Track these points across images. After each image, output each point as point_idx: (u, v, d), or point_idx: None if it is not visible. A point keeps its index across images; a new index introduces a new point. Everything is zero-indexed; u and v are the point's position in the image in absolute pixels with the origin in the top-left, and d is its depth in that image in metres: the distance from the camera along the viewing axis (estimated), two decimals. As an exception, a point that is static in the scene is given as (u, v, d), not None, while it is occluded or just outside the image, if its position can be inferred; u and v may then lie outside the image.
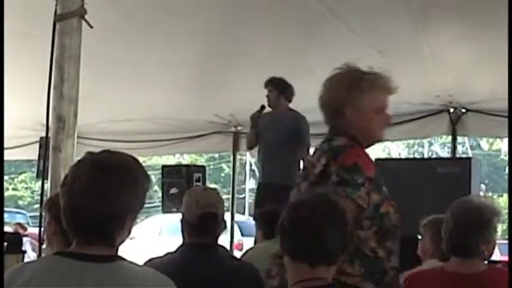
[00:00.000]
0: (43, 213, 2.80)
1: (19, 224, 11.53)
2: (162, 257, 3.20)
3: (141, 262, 2.31)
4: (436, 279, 2.94)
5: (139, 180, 1.90)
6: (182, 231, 3.23)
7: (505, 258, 8.00)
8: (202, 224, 3.13)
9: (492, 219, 2.85)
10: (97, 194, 1.84)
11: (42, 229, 2.90)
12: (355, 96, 2.83)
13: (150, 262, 3.04)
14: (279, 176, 6.06)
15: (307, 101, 7.27)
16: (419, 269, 3.39)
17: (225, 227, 3.30)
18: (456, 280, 2.84)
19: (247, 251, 4.57)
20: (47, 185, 3.78)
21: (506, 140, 14.15)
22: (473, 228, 2.83)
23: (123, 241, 1.93)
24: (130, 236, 1.97)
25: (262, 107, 6.28)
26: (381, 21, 5.22)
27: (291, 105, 6.32)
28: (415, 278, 3.06)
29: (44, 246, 2.89)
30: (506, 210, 7.88)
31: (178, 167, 6.82)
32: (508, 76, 4.24)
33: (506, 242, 9.05)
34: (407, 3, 4.84)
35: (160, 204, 7.14)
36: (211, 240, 3.15)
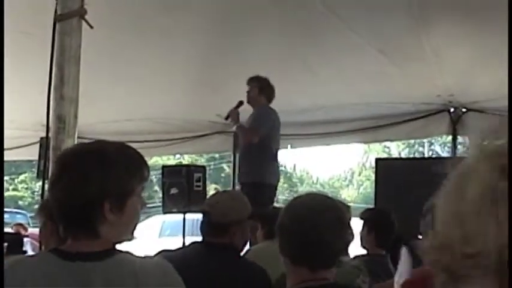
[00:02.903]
0: (38, 215, 2.80)
1: (20, 224, 11.51)
2: (174, 250, 3.24)
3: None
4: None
5: (110, 163, 1.85)
6: (201, 229, 3.27)
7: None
8: (220, 227, 3.18)
9: None
10: (67, 182, 1.83)
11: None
12: None
13: (160, 255, 3.07)
14: (248, 175, 6.13)
15: (308, 100, 7.32)
16: (420, 269, 3.39)
17: (247, 232, 3.38)
18: None
19: (247, 250, 4.57)
20: (48, 186, 3.78)
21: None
22: None
23: (126, 234, 1.90)
24: (130, 236, 1.95)
25: (241, 102, 6.30)
26: (381, 21, 5.22)
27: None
28: (415, 279, 3.06)
29: (44, 248, 2.89)
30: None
31: (179, 167, 6.80)
32: (508, 76, 4.23)
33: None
34: (409, 3, 4.84)
35: (160, 204, 7.15)
36: (227, 242, 3.19)
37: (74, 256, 1.82)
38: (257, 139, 6.07)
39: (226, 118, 6.43)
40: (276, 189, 6.30)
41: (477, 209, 0.72)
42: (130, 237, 1.94)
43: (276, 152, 6.30)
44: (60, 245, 1.91)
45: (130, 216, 1.89)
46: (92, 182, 1.81)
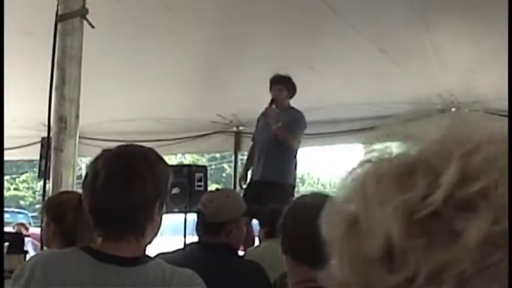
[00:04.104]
0: (40, 215, 2.80)
1: (22, 224, 11.51)
2: (171, 252, 3.23)
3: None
4: None
5: (159, 167, 1.89)
6: (197, 230, 3.26)
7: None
8: (216, 227, 3.17)
9: None
10: (120, 183, 1.82)
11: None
12: None
13: (158, 257, 3.06)
14: (274, 174, 6.16)
15: (309, 99, 7.32)
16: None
17: (243, 230, 3.36)
18: None
19: (249, 250, 4.57)
20: (49, 185, 3.78)
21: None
22: None
23: (154, 236, 1.90)
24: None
25: (273, 100, 6.30)
26: (383, 20, 5.22)
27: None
28: None
29: (45, 248, 2.89)
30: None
31: (180, 167, 6.78)
32: (508, 76, 4.24)
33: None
34: (410, 2, 4.84)
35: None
36: (224, 241, 3.18)
37: (108, 258, 1.81)
38: (296, 145, 6.23)
39: (263, 114, 6.42)
40: (294, 189, 6.41)
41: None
42: (152, 240, 1.96)
43: (296, 154, 6.41)
44: (72, 246, 1.92)
45: (162, 218, 1.93)
46: (147, 183, 1.83)
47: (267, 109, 6.31)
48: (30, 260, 1.86)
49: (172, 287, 1.81)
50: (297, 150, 6.37)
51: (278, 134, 6.18)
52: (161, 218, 1.92)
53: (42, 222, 2.78)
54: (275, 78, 6.19)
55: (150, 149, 1.95)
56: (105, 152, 1.92)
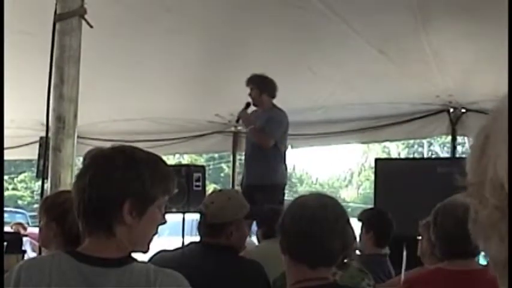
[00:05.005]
0: (38, 215, 2.79)
1: (20, 224, 11.51)
2: (171, 251, 3.23)
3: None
4: (437, 279, 2.94)
5: (135, 166, 1.87)
6: (198, 230, 3.27)
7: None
8: (217, 227, 3.17)
9: None
10: (87, 179, 1.85)
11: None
12: None
13: (159, 255, 3.07)
14: (259, 177, 6.10)
15: (308, 100, 7.32)
16: (420, 270, 3.39)
17: (244, 231, 3.36)
18: (460, 278, 2.87)
19: (247, 250, 4.56)
20: (47, 185, 3.78)
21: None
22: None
23: (140, 243, 1.89)
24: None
25: (248, 104, 6.28)
26: (381, 21, 5.22)
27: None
28: (416, 280, 3.07)
29: (43, 248, 2.88)
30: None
31: (178, 166, 6.77)
32: (508, 76, 4.24)
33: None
34: (409, 2, 4.84)
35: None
36: (224, 241, 3.18)
37: (92, 260, 1.82)
38: (271, 144, 6.13)
39: (237, 121, 6.43)
40: (284, 189, 6.34)
41: None
42: (146, 250, 1.93)
43: (285, 153, 6.34)
44: (74, 247, 1.92)
45: (148, 225, 1.88)
46: (114, 181, 1.83)
47: (239, 115, 6.31)
48: (16, 266, 1.87)
49: (157, 287, 1.81)
50: (284, 149, 6.30)
51: (255, 139, 6.16)
52: (147, 225, 1.88)
53: (40, 222, 2.76)
54: (246, 80, 6.18)
55: (148, 154, 1.93)
56: (100, 148, 1.95)
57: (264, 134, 6.14)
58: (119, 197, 1.83)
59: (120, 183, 1.83)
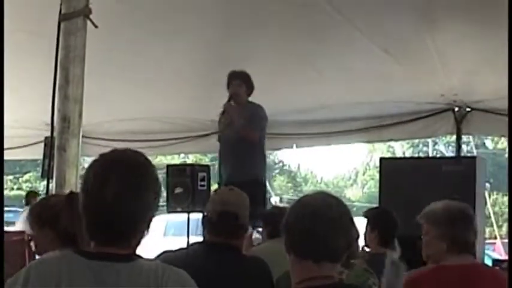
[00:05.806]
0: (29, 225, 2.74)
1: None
2: (175, 251, 3.23)
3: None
4: (439, 277, 2.99)
5: (157, 183, 1.90)
6: (203, 229, 3.27)
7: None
8: (222, 222, 3.15)
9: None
10: (113, 193, 1.82)
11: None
12: None
13: (162, 255, 3.07)
14: (245, 173, 5.95)
15: (313, 99, 7.31)
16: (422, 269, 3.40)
17: (247, 229, 3.34)
18: (459, 274, 2.98)
19: (252, 249, 4.57)
20: (52, 185, 3.79)
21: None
22: (470, 228, 3.11)
23: (140, 241, 1.91)
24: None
25: (231, 96, 6.21)
26: (386, 21, 5.22)
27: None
28: (415, 280, 3.11)
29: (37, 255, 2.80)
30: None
31: (183, 166, 6.77)
32: (508, 76, 4.24)
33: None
34: (414, 2, 4.84)
35: (164, 203, 7.13)
36: (228, 240, 3.16)
37: (101, 256, 1.83)
38: (258, 137, 6.12)
39: (223, 113, 6.33)
40: (266, 185, 6.35)
41: None
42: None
43: (264, 148, 6.34)
44: (72, 247, 1.93)
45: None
46: (142, 199, 1.86)
47: (225, 107, 6.23)
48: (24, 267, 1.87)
49: (164, 282, 1.83)
50: (263, 145, 6.28)
51: (243, 133, 6.09)
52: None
53: (32, 230, 2.71)
54: (233, 74, 6.13)
55: (145, 158, 1.94)
56: (106, 156, 1.92)
57: (253, 129, 6.12)
58: (146, 215, 1.88)
59: (148, 203, 1.88)
